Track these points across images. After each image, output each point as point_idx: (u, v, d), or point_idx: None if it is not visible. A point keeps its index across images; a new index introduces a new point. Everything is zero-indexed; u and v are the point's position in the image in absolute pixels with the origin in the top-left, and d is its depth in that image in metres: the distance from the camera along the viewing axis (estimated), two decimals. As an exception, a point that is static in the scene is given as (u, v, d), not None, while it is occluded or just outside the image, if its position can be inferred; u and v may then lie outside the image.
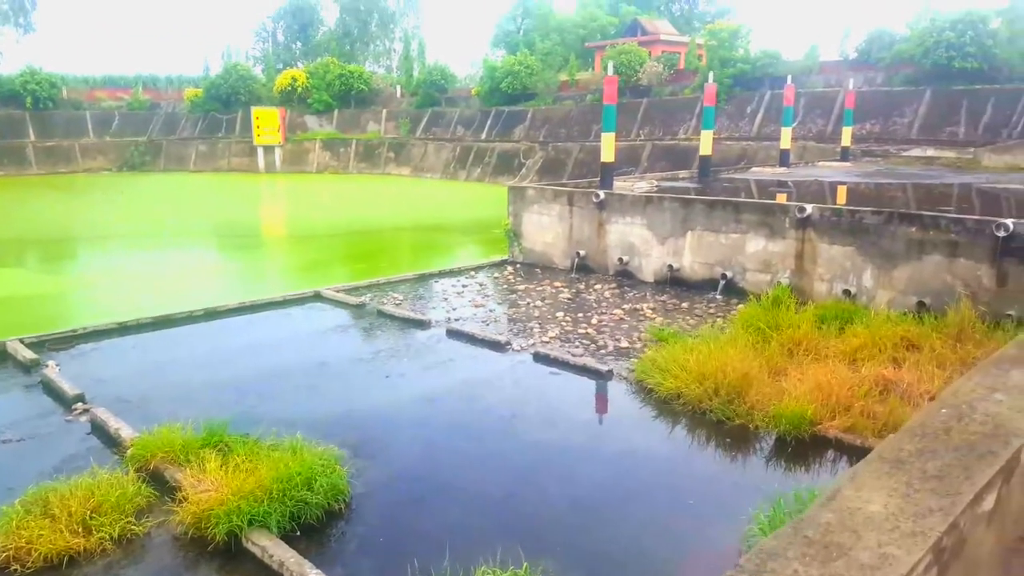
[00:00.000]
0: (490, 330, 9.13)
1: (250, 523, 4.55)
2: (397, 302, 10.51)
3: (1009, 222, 8.50)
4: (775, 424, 6.22)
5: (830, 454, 6.05)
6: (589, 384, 7.60)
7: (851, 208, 10.03)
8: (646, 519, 4.99)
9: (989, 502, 1.82)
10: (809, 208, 9.99)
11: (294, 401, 6.87)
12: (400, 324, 9.47)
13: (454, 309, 10.23)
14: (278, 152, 47.40)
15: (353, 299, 10.52)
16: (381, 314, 9.86)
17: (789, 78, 20.83)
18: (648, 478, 5.68)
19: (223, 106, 50.22)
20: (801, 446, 6.07)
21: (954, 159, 23.77)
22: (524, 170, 38.53)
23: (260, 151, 47.26)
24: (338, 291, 10.88)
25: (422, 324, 9.36)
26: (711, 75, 17.83)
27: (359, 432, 6.14)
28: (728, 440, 6.27)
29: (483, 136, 42.61)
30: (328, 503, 4.86)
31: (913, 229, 9.24)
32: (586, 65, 47.45)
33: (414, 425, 6.41)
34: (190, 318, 9.72)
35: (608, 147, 14.09)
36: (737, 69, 33.67)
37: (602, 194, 12.50)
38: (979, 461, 1.83)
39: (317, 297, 10.74)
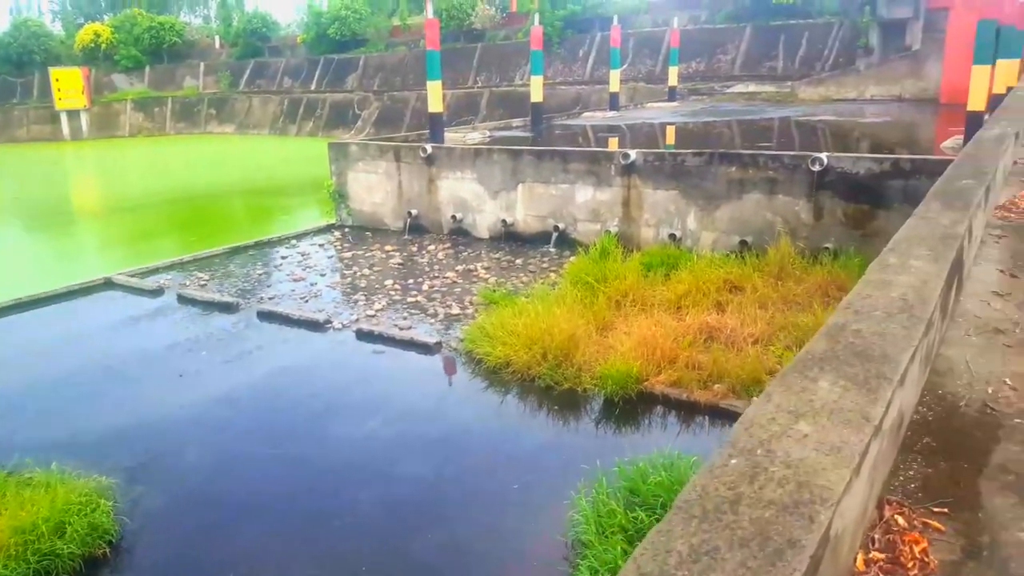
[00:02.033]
0: (309, 308, 8.35)
1: (-20, 591, 3.71)
2: (202, 283, 9.41)
3: (823, 156, 8.64)
4: (602, 385, 5.97)
5: (658, 410, 5.89)
6: (416, 360, 7.06)
7: (673, 152, 9.94)
8: (467, 516, 4.55)
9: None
10: (633, 154, 9.79)
11: (65, 418, 5.87)
12: (203, 309, 8.46)
13: (269, 286, 9.31)
14: (84, 117, 42.69)
15: (149, 284, 9.32)
16: (182, 299, 8.77)
17: (615, 18, 20.70)
18: (473, 464, 5.25)
19: (15, 68, 44.51)
20: (629, 405, 5.86)
21: (774, 93, 24.81)
22: (360, 122, 36.88)
23: (63, 117, 42.36)
24: (132, 275, 9.61)
25: (228, 308, 8.40)
26: (536, 17, 17.30)
27: (140, 450, 5.29)
28: (557, 407, 5.97)
29: (313, 87, 40.22)
30: (87, 550, 4.07)
31: (733, 169, 9.26)
32: (418, 9, 45.64)
33: (208, 434, 5.62)
34: (-51, 323, 8.27)
35: (435, 96, 13.39)
36: (568, 11, 33.38)
37: (429, 148, 11.81)
38: (776, 566, 1.20)
39: (108, 284, 9.42)
